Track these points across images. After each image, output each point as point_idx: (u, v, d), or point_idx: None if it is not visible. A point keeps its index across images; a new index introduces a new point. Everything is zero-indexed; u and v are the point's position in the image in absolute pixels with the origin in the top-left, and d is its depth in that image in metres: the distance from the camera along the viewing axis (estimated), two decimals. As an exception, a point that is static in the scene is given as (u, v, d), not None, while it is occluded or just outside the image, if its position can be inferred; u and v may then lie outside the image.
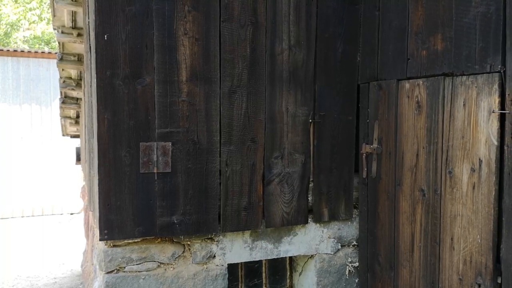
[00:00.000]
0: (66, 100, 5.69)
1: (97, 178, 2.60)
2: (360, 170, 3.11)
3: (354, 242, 3.22)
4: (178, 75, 2.68)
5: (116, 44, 2.56)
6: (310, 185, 3.05)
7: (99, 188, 2.59)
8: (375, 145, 2.94)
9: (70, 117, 6.59)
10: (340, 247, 3.19)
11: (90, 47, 2.83)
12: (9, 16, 17.85)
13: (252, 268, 3.29)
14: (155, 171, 2.66)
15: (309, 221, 3.07)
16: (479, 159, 2.23)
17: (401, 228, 2.76)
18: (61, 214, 12.67)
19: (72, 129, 7.15)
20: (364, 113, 3.04)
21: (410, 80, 2.65)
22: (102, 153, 2.57)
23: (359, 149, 3.08)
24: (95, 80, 2.56)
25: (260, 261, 3.27)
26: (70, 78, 5.07)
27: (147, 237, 2.71)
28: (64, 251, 8.69)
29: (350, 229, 3.21)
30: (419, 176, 2.60)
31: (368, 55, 2.98)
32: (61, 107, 6.01)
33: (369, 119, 2.99)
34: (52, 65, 12.03)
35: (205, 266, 2.87)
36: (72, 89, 5.12)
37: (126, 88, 2.58)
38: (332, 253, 3.17)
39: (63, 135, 7.74)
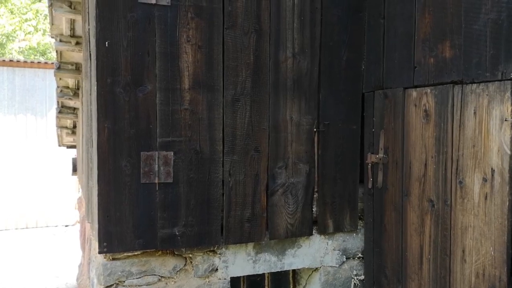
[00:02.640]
0: (63, 109, 5.60)
1: (96, 188, 2.52)
2: (365, 181, 3.04)
3: (360, 255, 3.14)
4: (180, 83, 2.61)
5: (117, 51, 2.49)
6: (315, 195, 2.98)
7: (98, 199, 2.51)
8: (381, 154, 2.87)
9: (66, 127, 6.51)
10: (345, 259, 3.11)
11: (90, 54, 2.76)
12: (4, 27, 17.79)
13: (254, 282, 3.20)
14: (156, 181, 2.59)
15: (313, 232, 3.00)
16: (491, 168, 2.17)
17: (409, 240, 2.69)
18: (56, 226, 12.51)
19: (69, 140, 7.06)
20: (369, 122, 2.99)
21: (417, 89, 2.60)
22: (101, 163, 2.50)
23: (364, 159, 3.02)
24: (95, 87, 2.49)
25: (262, 274, 3.19)
26: (68, 87, 5.00)
27: (148, 250, 2.63)
28: (58, 264, 8.54)
29: (355, 241, 3.13)
30: (427, 186, 2.54)
31: (373, 63, 2.93)
32: (57, 117, 5.93)
33: (374, 128, 2.94)
34: (48, 75, 11.96)
35: (207, 279, 2.78)
36: (69, 98, 5.05)
37: (127, 96, 2.52)
38: (337, 265, 3.09)
39: (59, 145, 7.65)
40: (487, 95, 2.19)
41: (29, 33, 18.32)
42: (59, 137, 7.11)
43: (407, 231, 2.69)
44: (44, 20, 18.08)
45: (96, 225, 2.56)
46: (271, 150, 2.83)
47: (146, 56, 2.55)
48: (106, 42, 2.47)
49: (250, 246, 2.87)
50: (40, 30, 18.47)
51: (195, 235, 2.68)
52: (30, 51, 18.66)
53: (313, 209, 2.98)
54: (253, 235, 2.81)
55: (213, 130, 2.69)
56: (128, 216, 2.55)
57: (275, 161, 2.85)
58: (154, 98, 2.57)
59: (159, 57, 2.57)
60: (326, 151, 2.97)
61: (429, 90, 2.52)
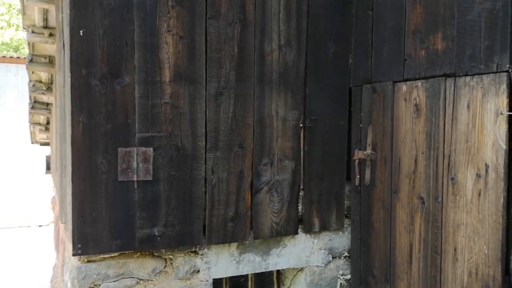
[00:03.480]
0: (35, 105, 5.38)
1: (70, 187, 2.36)
2: (352, 178, 2.95)
3: (346, 254, 3.05)
4: (160, 75, 2.47)
5: (92, 41, 2.34)
6: (300, 193, 2.87)
7: (72, 198, 2.35)
8: (368, 151, 2.79)
9: (39, 124, 6.26)
10: (331, 258, 3.02)
11: (63, 44, 2.60)
12: (-25, 21, 17.25)
13: (237, 283, 3.08)
14: (135, 179, 2.44)
15: (299, 231, 2.89)
16: (486, 164, 2.10)
17: (398, 238, 2.60)
18: (29, 226, 12.16)
19: (42, 137, 6.81)
20: (356, 118, 2.90)
21: (408, 82, 2.52)
22: (76, 160, 2.34)
23: (351, 156, 2.92)
24: (69, 79, 2.33)
25: (246, 275, 3.07)
26: (41, 81, 4.78)
27: (126, 251, 2.48)
28: (31, 266, 8.26)
29: (342, 240, 3.04)
30: (417, 183, 2.46)
31: (361, 57, 2.84)
32: (30, 113, 5.69)
33: (362, 124, 2.85)
34: (20, 70, 11.60)
35: (188, 282, 2.65)
36: (43, 93, 4.83)
37: (104, 88, 2.36)
38: (323, 265, 2.99)
39: (32, 142, 7.37)
40: (481, 87, 2.11)
41: (1, 28, 17.79)
42: (32, 134, 6.85)
43: (396, 229, 2.61)
44: (17, 15, 17.59)
45: (70, 226, 2.40)
46: (256, 146, 2.71)
47: (124, 46, 2.40)
48: (81, 31, 2.31)
49: (234, 246, 2.75)
50: (13, 25, 17.96)
51: (175, 235, 2.54)
52: (3, 46, 18.13)
53: (299, 207, 2.87)
54: (237, 234, 2.69)
55: (195, 125, 2.56)
56: (105, 216, 2.40)
57: (260, 157, 2.73)
58: (132, 91, 2.42)
59: (138, 48, 2.42)
60: (312, 148, 2.87)
61: (420, 84, 2.44)
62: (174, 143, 2.52)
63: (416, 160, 2.46)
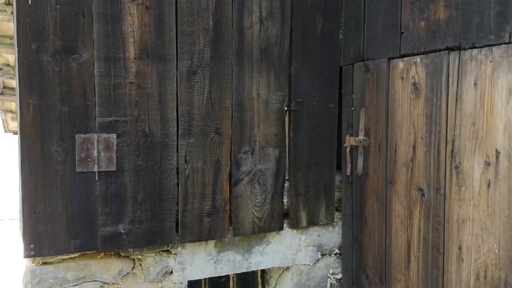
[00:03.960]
0: (5, 91, 5.03)
1: (20, 179, 2.06)
2: (343, 167, 2.66)
3: (337, 251, 2.77)
4: (124, 51, 2.16)
5: (43, 10, 2.02)
6: (286, 184, 2.58)
7: (22, 192, 2.05)
8: (361, 137, 2.50)
9: (11, 111, 5.91)
10: (320, 256, 2.74)
11: (14, 16, 2.28)
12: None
13: (217, 283, 2.80)
14: (96, 169, 2.14)
15: (284, 227, 2.61)
16: (496, 150, 1.82)
17: (394, 235, 2.33)
18: (1, 219, 11.77)
19: (14, 125, 6.45)
20: (347, 100, 2.60)
21: (405, 58, 2.22)
22: (26, 148, 2.03)
23: (342, 142, 2.63)
24: (17, 55, 2.02)
25: (227, 276, 2.78)
26: (8, 65, 4.44)
27: (87, 252, 2.19)
28: (3, 264, 7.92)
29: (332, 236, 2.76)
30: (416, 172, 2.17)
31: (352, 32, 2.54)
32: (0, 99, 5.34)
33: (353, 107, 2.55)
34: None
35: (160, 284, 2.36)
36: (11, 77, 4.49)
37: (57, 65, 2.05)
38: (311, 263, 2.71)
39: (5, 131, 7.00)
40: (491, 61, 1.82)
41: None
42: (4, 122, 6.49)
43: (392, 225, 2.33)
44: None
45: (21, 223, 2.10)
46: (235, 132, 2.41)
47: (81, 17, 2.08)
48: (29, -2, 1.99)
49: (211, 244, 2.46)
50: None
51: (144, 233, 2.25)
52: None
53: (284, 200, 2.58)
54: (214, 231, 2.40)
55: (165, 108, 2.26)
56: (61, 212, 2.10)
57: (240, 145, 2.43)
58: (91, 68, 2.11)
59: (98, 19, 2.10)
60: (298, 134, 2.57)
61: (419, 60, 2.14)
62: (141, 129, 2.21)
63: (414, 147, 2.18)
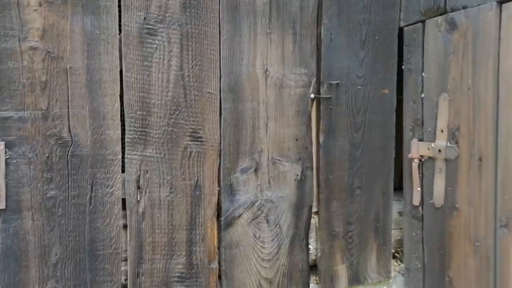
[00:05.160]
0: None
1: None
2: (406, 191, 1.63)
3: (395, 324, 1.74)
4: (17, -9, 1.18)
5: None
6: (313, 221, 1.57)
7: None
8: (440, 142, 1.47)
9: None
10: (368, 333, 1.71)
11: None
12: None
13: None
14: (-33, 207, 1.16)
15: (311, 290, 1.60)
16: None
17: (510, 318, 1.29)
18: None
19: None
20: (413, 82, 1.58)
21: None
22: None
23: (404, 152, 1.61)
24: None
25: None
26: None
27: None
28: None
29: (387, 300, 1.73)
30: None
31: (424, -34, 1.52)
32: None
33: (425, 93, 1.53)
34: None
35: None
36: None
37: None
38: None
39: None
40: None
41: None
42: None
43: (506, 298, 1.30)
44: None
45: None
46: (225, 137, 1.41)
47: None
48: None
49: (188, 326, 1.45)
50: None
51: (63, 319, 1.26)
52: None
53: (311, 247, 1.57)
54: (192, 307, 1.40)
55: (99, 95, 1.27)
56: None
57: (235, 158, 1.43)
58: (-45, 22, 1.13)
59: None
60: (334, 138, 1.56)
61: None
62: (54, 132, 1.23)
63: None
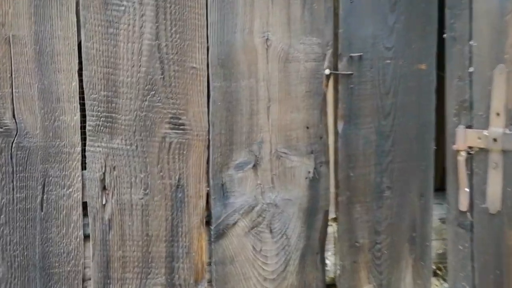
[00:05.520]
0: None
1: None
2: (450, 192, 1.29)
3: None
4: None
5: None
6: (330, 229, 1.26)
7: None
8: (496, 128, 1.13)
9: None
10: None
11: None
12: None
13: None
14: None
15: (329, 317, 1.28)
16: None
17: None
18: None
19: None
20: (459, 53, 1.24)
21: None
22: None
23: (447, 141, 1.27)
24: None
25: None
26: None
27: None
28: None
29: (426, 327, 1.39)
30: None
31: None
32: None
33: (474, 65, 1.19)
34: None
35: None
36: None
37: None
38: None
39: None
40: None
41: None
42: None
43: None
44: None
45: None
46: (215, 124, 1.12)
47: None
48: None
49: None
50: None
51: None
52: None
53: (328, 263, 1.26)
54: None
55: (51, 71, 1.02)
56: None
57: (228, 150, 1.14)
58: None
59: None
60: (356, 125, 1.23)
61: None
62: (-8, 119, 0.97)
63: None
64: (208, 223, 1.14)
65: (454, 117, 1.28)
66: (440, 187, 1.42)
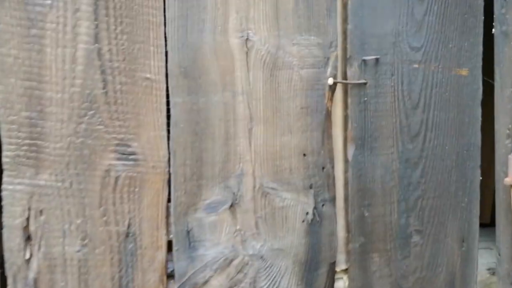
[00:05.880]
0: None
1: None
2: (502, 236, 0.96)
3: None
4: None
5: None
6: (339, 283, 0.96)
7: None
8: None
9: None
10: None
11: None
12: None
13: None
14: None
15: None
16: None
17: None
18: None
19: None
20: (511, 55, 0.91)
21: None
22: None
23: (496, 171, 0.94)
24: None
25: None
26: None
27: None
28: None
29: None
30: None
31: None
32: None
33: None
34: None
35: None
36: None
37: None
38: None
39: None
40: None
41: None
42: None
43: None
44: None
45: None
46: (177, 153, 0.85)
47: None
48: None
49: None
50: None
51: None
52: None
53: (335, 332, 0.96)
54: None
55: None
56: None
57: (196, 186, 0.87)
58: None
59: None
60: (372, 151, 0.93)
61: None
62: None
63: None
64: (167, 283, 0.87)
65: (507, 139, 0.95)
66: (490, 223, 1.09)
